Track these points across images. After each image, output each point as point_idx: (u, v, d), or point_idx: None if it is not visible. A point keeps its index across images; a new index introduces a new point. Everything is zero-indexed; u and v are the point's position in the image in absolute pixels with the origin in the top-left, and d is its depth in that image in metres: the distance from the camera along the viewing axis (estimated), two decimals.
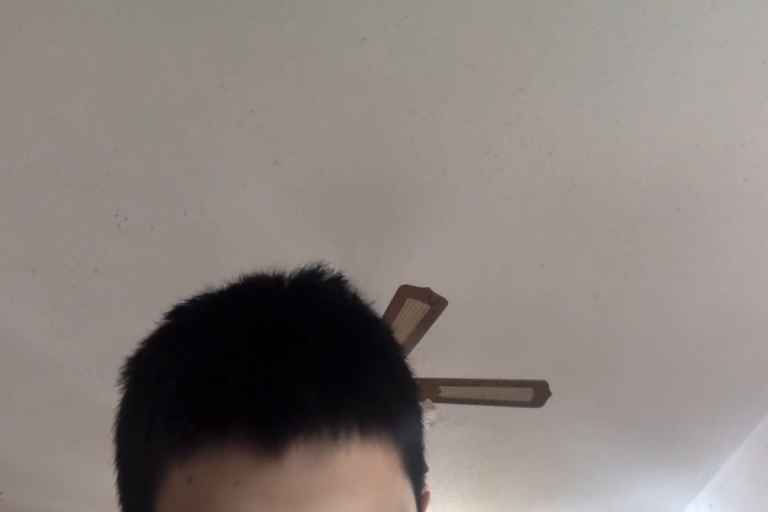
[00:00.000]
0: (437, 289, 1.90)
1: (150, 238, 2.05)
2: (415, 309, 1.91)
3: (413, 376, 0.44)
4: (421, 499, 0.43)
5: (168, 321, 0.41)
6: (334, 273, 0.42)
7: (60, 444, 3.32)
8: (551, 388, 2.23)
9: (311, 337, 0.37)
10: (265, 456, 0.34)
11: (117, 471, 0.42)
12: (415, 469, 0.41)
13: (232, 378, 0.35)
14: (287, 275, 0.42)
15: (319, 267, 0.42)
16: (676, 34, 1.45)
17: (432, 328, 1.98)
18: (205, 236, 2.04)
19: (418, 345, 2.01)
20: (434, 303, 1.91)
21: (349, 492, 0.35)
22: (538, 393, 2.23)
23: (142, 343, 0.42)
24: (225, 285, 0.42)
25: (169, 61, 1.56)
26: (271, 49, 1.53)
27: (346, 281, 0.43)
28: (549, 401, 2.29)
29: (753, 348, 2.37)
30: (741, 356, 2.41)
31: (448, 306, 1.93)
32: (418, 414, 0.43)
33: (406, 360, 0.44)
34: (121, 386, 0.42)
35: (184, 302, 0.42)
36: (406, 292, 1.87)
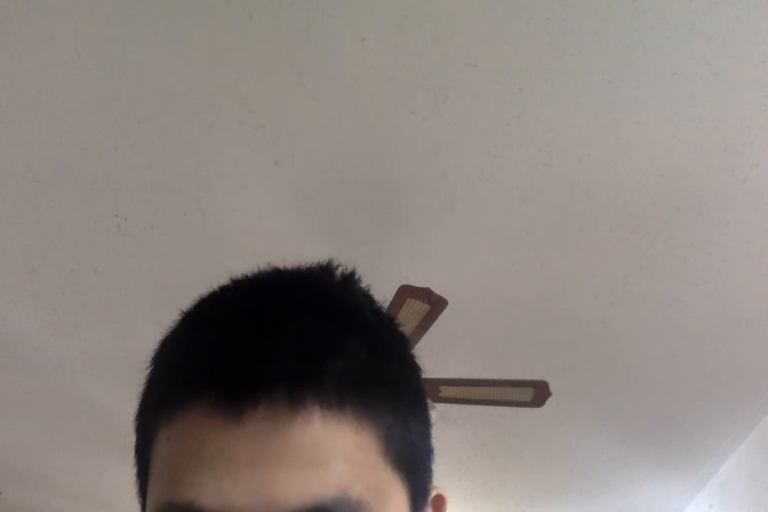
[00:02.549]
0: (437, 289, 1.90)
1: (150, 237, 2.05)
2: (415, 309, 1.91)
3: (415, 375, 0.45)
4: (423, 499, 0.43)
5: (189, 308, 0.45)
6: (346, 270, 0.45)
7: (60, 444, 3.32)
8: (551, 388, 2.23)
9: (295, 321, 0.39)
10: (226, 418, 0.37)
11: (134, 442, 0.46)
12: (408, 463, 0.41)
13: (212, 353, 0.39)
14: (297, 269, 0.45)
15: (330, 263, 0.45)
16: (676, 34, 1.45)
17: (432, 328, 1.98)
18: (205, 236, 2.04)
19: (418, 345, 2.00)
20: (434, 303, 1.91)
21: (309, 462, 0.36)
22: (538, 393, 2.23)
23: (168, 329, 0.46)
24: (241, 276, 0.46)
25: (169, 61, 1.56)
26: (271, 49, 1.53)
27: (357, 279, 0.45)
28: (549, 401, 2.29)
29: (753, 348, 2.37)
30: (741, 356, 2.41)
31: (448, 306, 1.93)
32: (412, 408, 0.43)
33: (411, 359, 0.46)
34: (147, 368, 0.46)
35: (209, 292, 0.46)
36: (406, 292, 1.87)
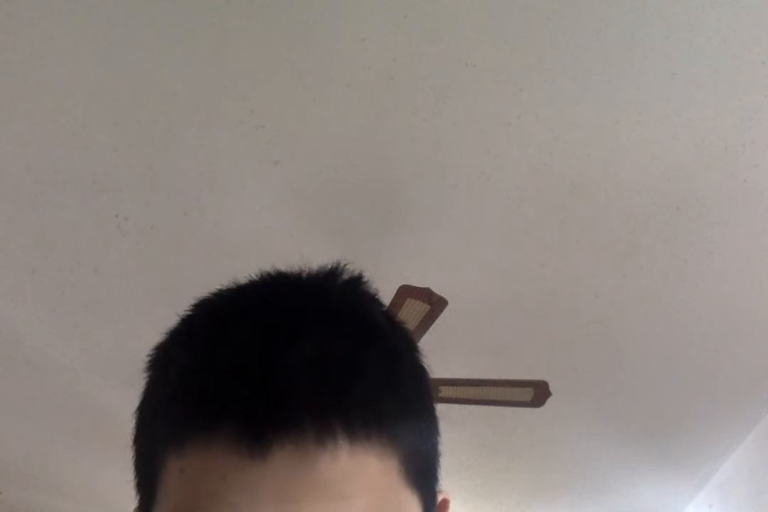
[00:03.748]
0: (437, 289, 1.90)
1: (150, 237, 2.05)
2: (415, 309, 1.91)
3: (426, 381, 0.44)
4: (433, 507, 0.43)
5: (188, 312, 0.42)
6: (353, 273, 0.43)
7: (60, 444, 3.32)
8: (551, 388, 2.23)
9: (311, 339, 0.37)
10: (250, 455, 0.35)
11: (133, 456, 0.43)
12: (422, 477, 0.40)
13: (228, 377, 0.36)
14: (303, 274, 0.42)
15: (337, 267, 0.43)
16: (676, 34, 1.45)
17: (432, 328, 1.98)
18: (205, 236, 2.04)
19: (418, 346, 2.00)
20: (434, 303, 1.91)
21: (335, 495, 0.35)
22: (538, 393, 2.23)
23: (166, 333, 0.43)
24: (246, 280, 0.43)
25: (169, 61, 1.56)
26: (271, 49, 1.53)
27: (364, 283, 0.43)
28: (549, 401, 2.29)
29: (753, 348, 2.37)
30: (741, 356, 2.41)
31: (448, 306, 1.93)
32: (426, 420, 0.42)
33: (421, 364, 0.44)
34: (144, 374, 0.43)
35: (208, 295, 0.43)
36: (406, 292, 1.87)
